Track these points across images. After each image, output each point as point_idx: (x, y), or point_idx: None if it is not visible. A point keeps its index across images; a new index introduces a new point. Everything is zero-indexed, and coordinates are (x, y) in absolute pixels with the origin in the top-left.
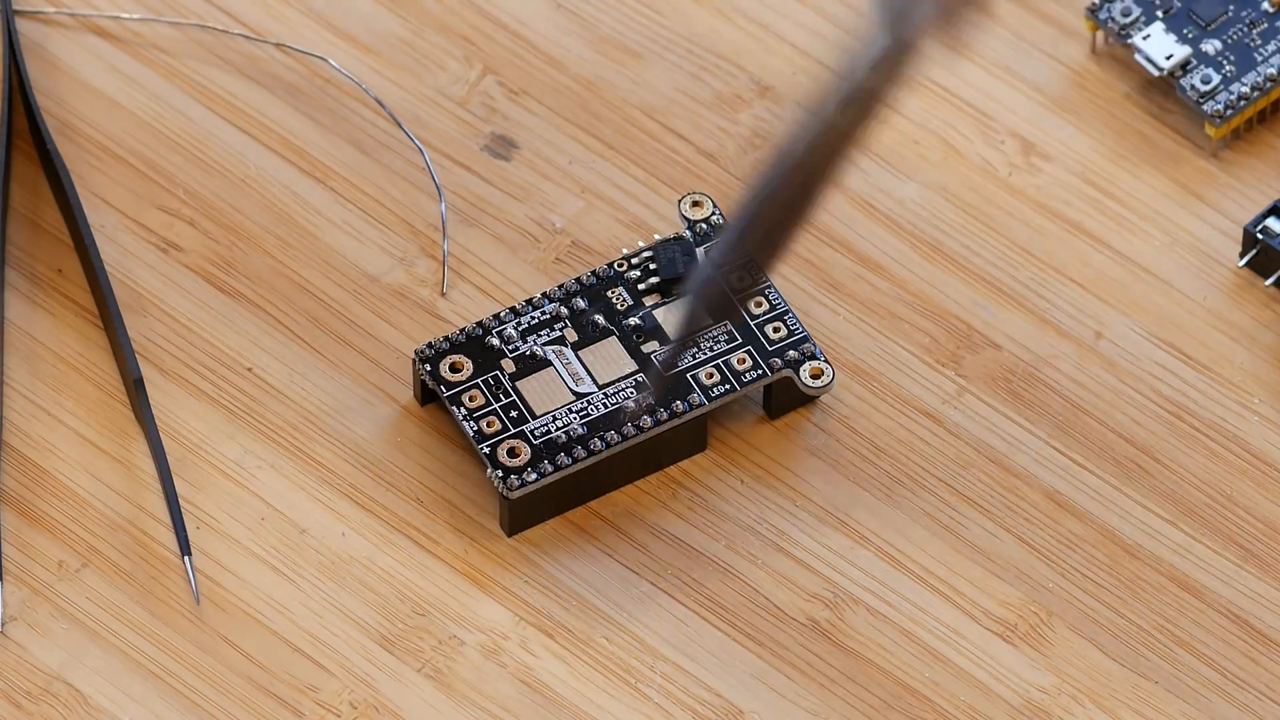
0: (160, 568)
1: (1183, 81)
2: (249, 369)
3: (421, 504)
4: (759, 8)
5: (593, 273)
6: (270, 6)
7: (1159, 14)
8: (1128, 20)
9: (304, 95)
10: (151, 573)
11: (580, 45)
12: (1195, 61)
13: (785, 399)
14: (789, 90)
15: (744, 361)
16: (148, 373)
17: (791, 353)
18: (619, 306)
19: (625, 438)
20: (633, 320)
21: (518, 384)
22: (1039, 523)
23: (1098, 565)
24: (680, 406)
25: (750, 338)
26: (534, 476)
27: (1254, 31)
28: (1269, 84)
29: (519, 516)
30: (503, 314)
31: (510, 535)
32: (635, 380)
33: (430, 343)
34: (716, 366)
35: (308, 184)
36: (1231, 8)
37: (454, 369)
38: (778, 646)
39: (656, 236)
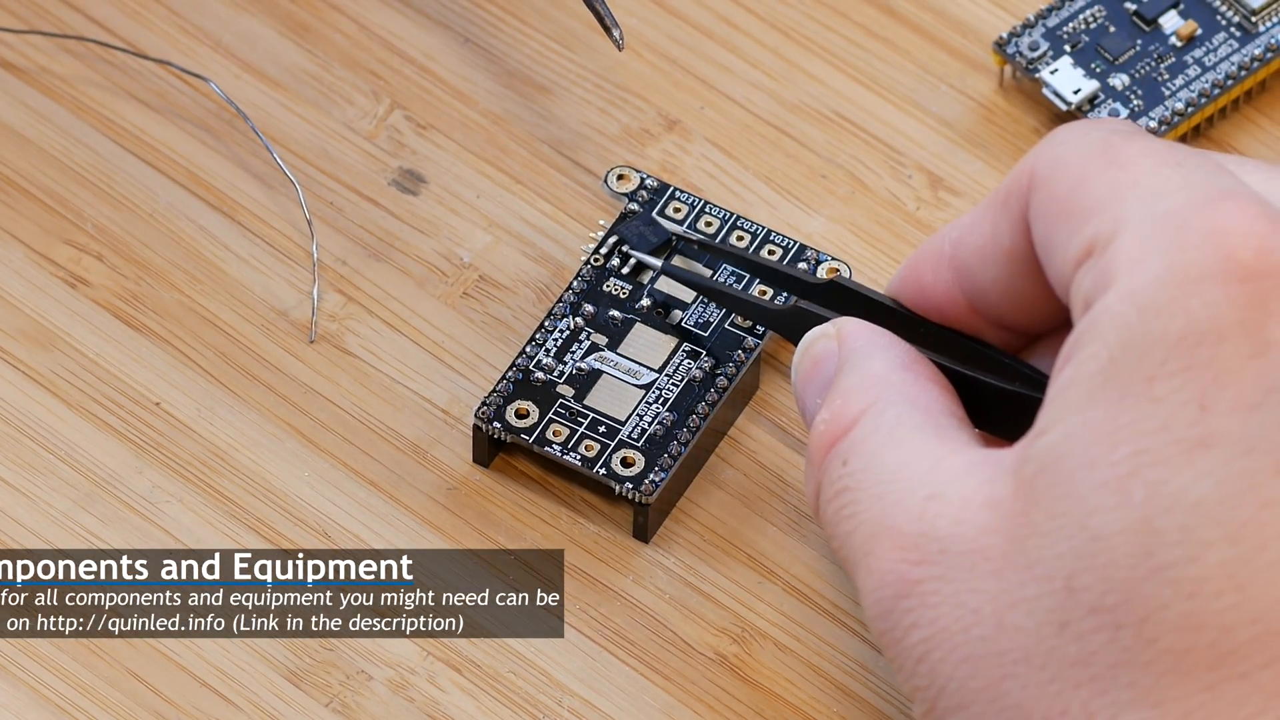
0: (66, 601)
1: (1091, 115)
2: (157, 404)
3: (329, 538)
4: (666, 42)
5: (577, 277)
6: (177, 40)
7: (1067, 48)
8: (1035, 55)
9: (210, 129)
10: (56, 607)
11: (488, 80)
12: (1103, 96)
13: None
14: (696, 124)
15: (765, 293)
16: (55, 407)
17: (800, 264)
18: (622, 296)
19: (712, 406)
20: (644, 301)
21: (586, 402)
22: None
23: None
24: (741, 355)
25: (753, 268)
26: (661, 475)
27: (1161, 66)
28: (1176, 118)
29: (655, 519)
30: (527, 349)
31: (649, 540)
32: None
33: (484, 400)
34: None
35: (215, 218)
36: (1139, 42)
37: (520, 415)
38: (685, 681)
39: (601, 222)
